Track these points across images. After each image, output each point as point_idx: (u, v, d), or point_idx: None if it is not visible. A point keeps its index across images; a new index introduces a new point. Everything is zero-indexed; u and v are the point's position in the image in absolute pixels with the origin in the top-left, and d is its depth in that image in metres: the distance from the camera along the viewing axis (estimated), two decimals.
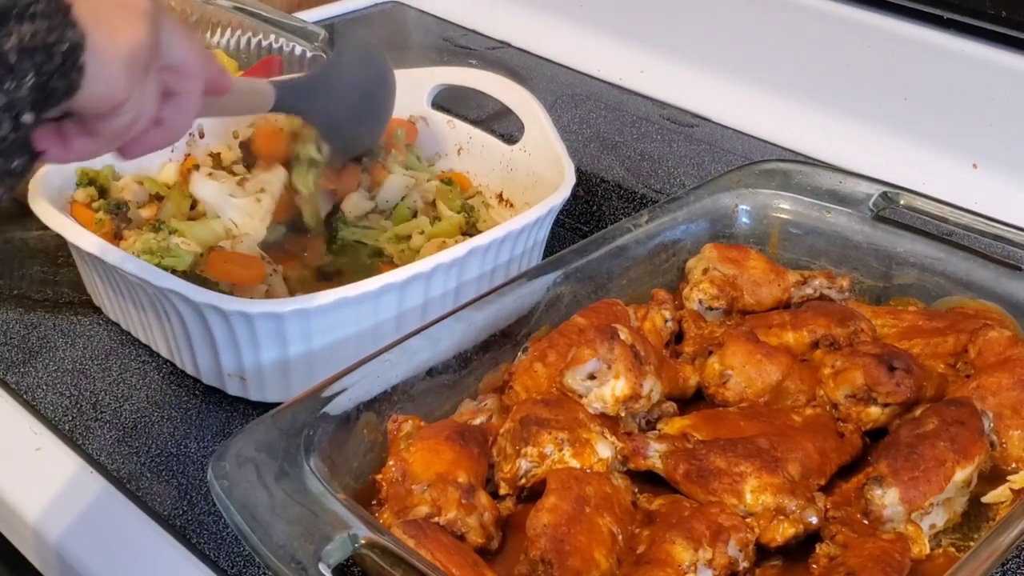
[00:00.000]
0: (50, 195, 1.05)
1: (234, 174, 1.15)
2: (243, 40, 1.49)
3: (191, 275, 1.00)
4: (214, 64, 0.83)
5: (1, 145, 0.59)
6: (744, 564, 0.78)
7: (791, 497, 0.80)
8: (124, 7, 0.67)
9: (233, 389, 0.99)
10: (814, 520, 0.80)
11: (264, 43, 1.47)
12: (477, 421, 0.87)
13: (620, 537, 0.78)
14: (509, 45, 1.69)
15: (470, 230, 1.15)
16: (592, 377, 0.86)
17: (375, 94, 1.08)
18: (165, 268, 0.98)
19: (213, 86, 0.82)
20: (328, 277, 1.11)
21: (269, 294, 1.05)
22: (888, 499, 0.80)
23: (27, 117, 0.60)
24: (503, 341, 0.94)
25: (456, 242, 1.08)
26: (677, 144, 1.43)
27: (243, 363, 0.96)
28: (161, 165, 1.20)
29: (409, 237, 1.13)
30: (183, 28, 0.77)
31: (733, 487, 0.81)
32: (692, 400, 0.94)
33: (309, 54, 1.41)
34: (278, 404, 0.81)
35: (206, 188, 1.11)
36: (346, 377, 0.83)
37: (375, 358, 0.85)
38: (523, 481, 0.82)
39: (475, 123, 1.27)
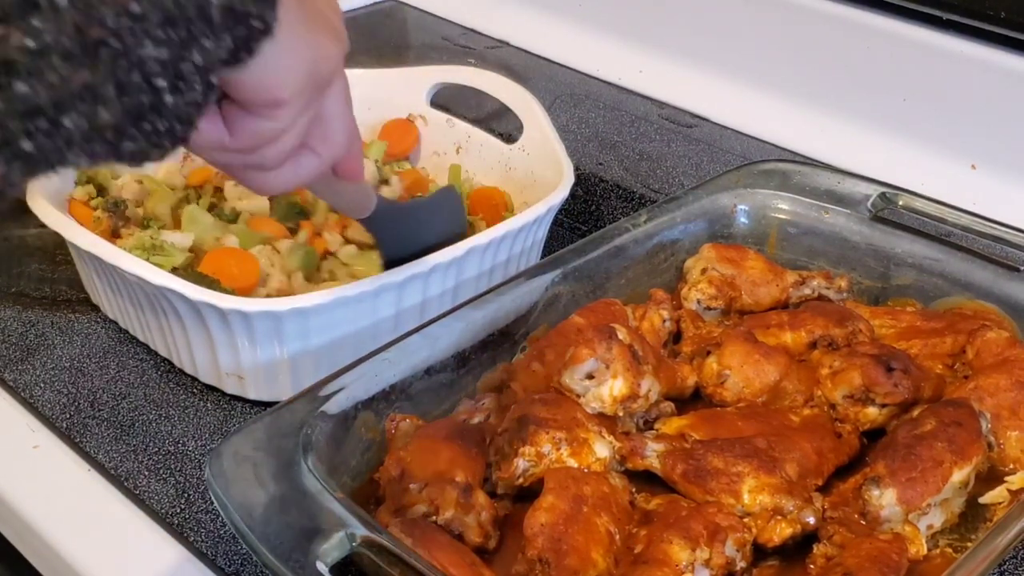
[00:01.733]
0: (48, 193, 1.05)
1: None
2: None
3: (190, 273, 1.00)
4: (358, 146, 0.79)
5: (186, 110, 0.53)
6: (741, 564, 0.78)
7: (788, 497, 0.81)
8: (335, 31, 0.66)
9: (231, 388, 0.99)
10: (811, 520, 0.80)
11: None
12: (475, 420, 0.87)
13: (617, 537, 0.78)
14: (508, 44, 1.69)
15: None
16: (590, 377, 0.86)
17: (442, 239, 1.05)
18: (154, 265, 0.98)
19: (347, 169, 0.79)
20: None
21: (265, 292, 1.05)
22: (885, 500, 0.80)
23: (215, 78, 0.54)
24: (501, 340, 0.94)
25: None
26: (676, 144, 1.43)
27: (241, 362, 0.96)
28: (158, 164, 1.20)
29: None
30: (349, 97, 0.74)
31: (731, 487, 0.81)
32: (690, 400, 0.94)
33: None
34: (276, 403, 0.81)
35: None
36: (344, 376, 0.83)
37: (373, 357, 0.85)
38: (521, 480, 0.82)
39: (474, 122, 1.27)
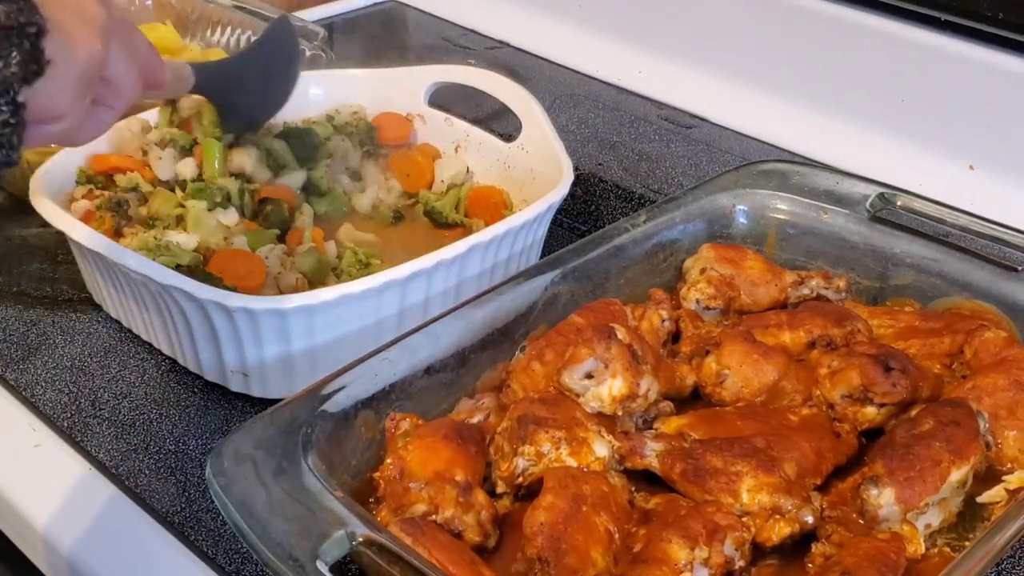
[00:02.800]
0: (51, 192, 1.05)
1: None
2: (243, 38, 1.49)
3: (194, 271, 1.01)
4: (155, 58, 0.82)
5: (1, 131, 0.58)
6: (740, 563, 0.78)
7: (787, 496, 0.81)
8: (82, 18, 0.66)
9: (236, 385, 1.00)
10: (810, 519, 0.80)
11: None
12: (475, 420, 0.87)
13: (617, 536, 0.78)
14: (508, 45, 1.70)
15: None
16: (589, 376, 0.86)
17: (281, 78, 1.14)
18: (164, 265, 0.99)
19: (151, 81, 0.81)
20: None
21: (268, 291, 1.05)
22: (884, 499, 0.80)
23: (22, 97, 0.59)
24: (501, 340, 0.94)
25: None
26: (675, 144, 1.44)
27: (246, 359, 0.96)
28: None
29: None
30: (130, 33, 0.75)
31: (729, 486, 0.81)
32: (689, 399, 0.95)
33: (308, 53, 1.42)
34: (280, 400, 0.81)
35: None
36: (345, 375, 0.84)
37: (373, 356, 0.86)
38: (520, 479, 0.82)
39: (473, 122, 1.27)
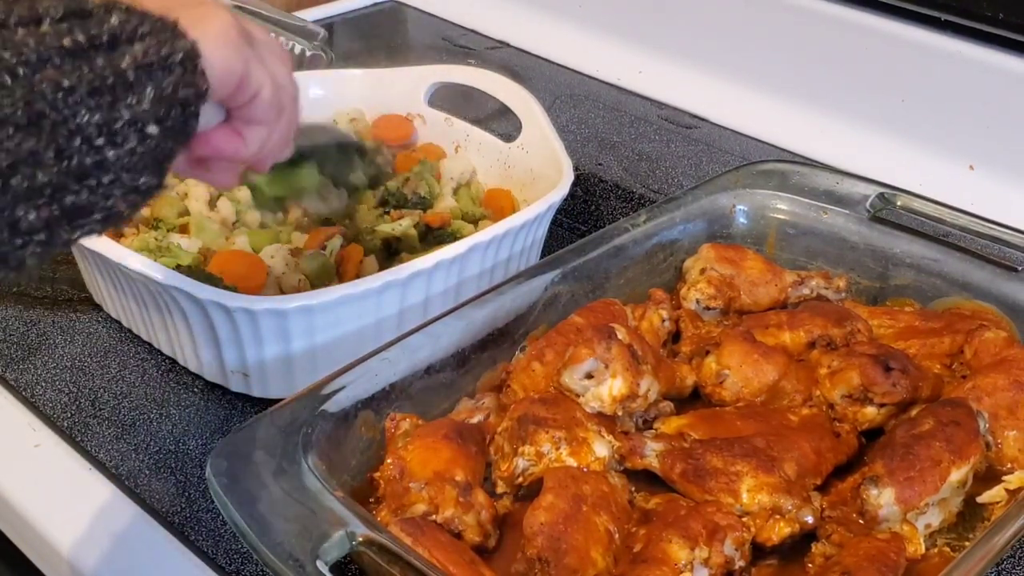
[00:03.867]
0: None
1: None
2: None
3: (194, 271, 1.01)
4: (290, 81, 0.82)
5: (130, 159, 0.60)
6: (740, 563, 0.78)
7: (787, 496, 0.81)
8: (203, 3, 0.69)
9: (236, 386, 1.00)
10: (810, 519, 0.80)
11: None
12: (475, 420, 0.87)
13: (617, 536, 0.78)
14: (508, 45, 1.70)
15: None
16: (589, 376, 0.86)
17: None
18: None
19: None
20: None
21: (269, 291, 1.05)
22: (884, 499, 0.80)
23: (152, 129, 0.61)
24: (501, 340, 0.94)
25: None
26: (675, 144, 1.44)
27: (246, 360, 0.96)
28: None
29: None
30: (274, 46, 0.77)
31: (729, 486, 0.81)
32: (689, 399, 0.95)
33: (309, 53, 1.42)
34: (280, 400, 0.81)
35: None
36: (345, 375, 0.84)
37: (373, 356, 0.85)
38: (520, 479, 0.82)
39: (473, 122, 1.27)
